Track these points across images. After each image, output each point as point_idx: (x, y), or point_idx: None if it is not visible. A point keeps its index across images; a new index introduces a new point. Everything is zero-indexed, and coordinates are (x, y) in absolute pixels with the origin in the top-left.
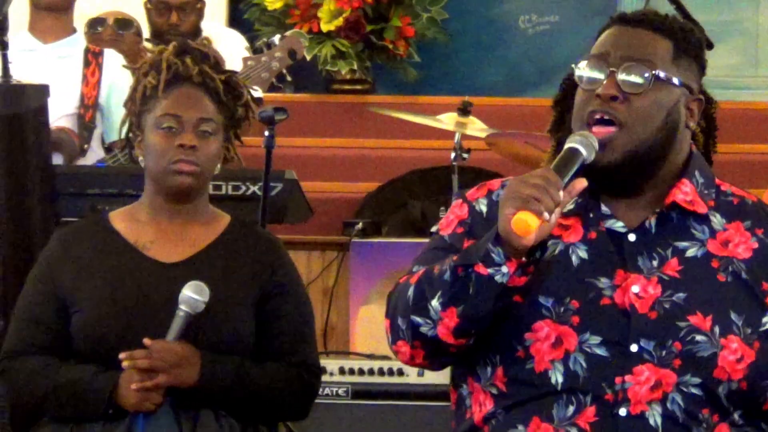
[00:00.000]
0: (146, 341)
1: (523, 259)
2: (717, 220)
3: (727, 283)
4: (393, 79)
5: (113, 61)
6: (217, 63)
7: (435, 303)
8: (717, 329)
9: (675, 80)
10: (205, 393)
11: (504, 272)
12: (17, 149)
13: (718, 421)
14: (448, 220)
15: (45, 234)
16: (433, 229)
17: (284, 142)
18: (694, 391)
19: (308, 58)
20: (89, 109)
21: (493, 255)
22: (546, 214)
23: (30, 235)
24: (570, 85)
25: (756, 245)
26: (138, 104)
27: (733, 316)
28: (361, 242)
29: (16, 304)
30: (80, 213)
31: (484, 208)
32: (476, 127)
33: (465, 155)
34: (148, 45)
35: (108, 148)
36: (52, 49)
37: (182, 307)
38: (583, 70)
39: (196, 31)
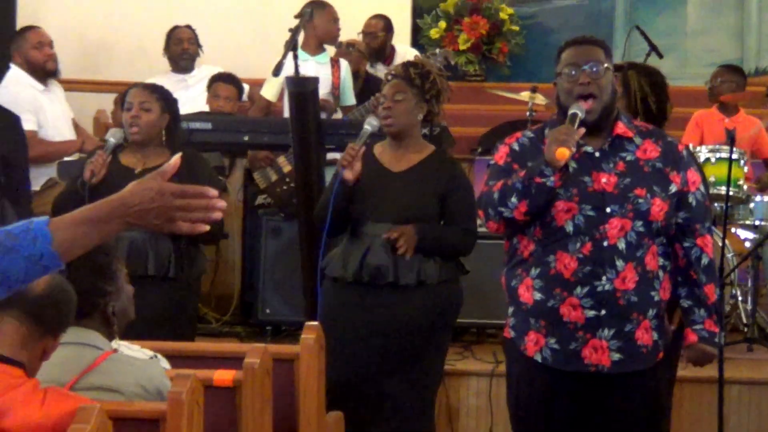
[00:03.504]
0: (390, 233)
1: (560, 172)
2: (637, 139)
3: (650, 172)
4: (496, 74)
5: (344, 64)
6: (421, 65)
7: (513, 200)
8: (648, 195)
9: (610, 67)
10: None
11: (552, 180)
12: (303, 111)
13: (651, 244)
14: (499, 156)
15: (317, 158)
16: (492, 162)
17: (443, 108)
18: (640, 229)
19: (452, 63)
20: (335, 89)
21: (545, 171)
22: (573, 147)
23: (311, 158)
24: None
25: (660, 149)
26: (382, 90)
27: (655, 188)
28: (480, 159)
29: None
30: (336, 144)
31: (516, 147)
32: (540, 100)
33: (534, 113)
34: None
35: (344, 110)
36: (315, 58)
37: (366, 126)
38: (566, 71)
39: (382, 48)
